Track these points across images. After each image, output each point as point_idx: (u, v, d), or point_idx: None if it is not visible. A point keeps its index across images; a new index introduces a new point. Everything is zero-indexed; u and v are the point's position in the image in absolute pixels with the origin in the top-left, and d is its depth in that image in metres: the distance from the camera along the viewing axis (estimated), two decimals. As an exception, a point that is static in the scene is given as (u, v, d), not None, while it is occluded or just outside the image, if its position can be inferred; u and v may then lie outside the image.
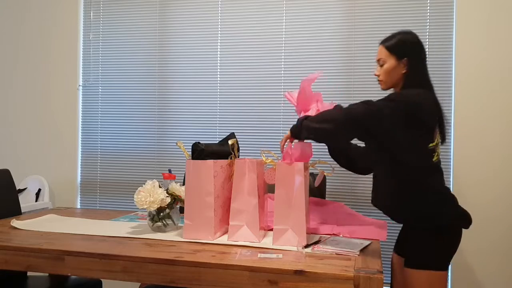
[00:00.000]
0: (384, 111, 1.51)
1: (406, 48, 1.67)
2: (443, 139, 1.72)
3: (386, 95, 1.79)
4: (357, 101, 1.58)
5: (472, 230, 2.43)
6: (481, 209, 2.43)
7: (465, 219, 1.65)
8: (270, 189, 1.85)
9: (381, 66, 1.71)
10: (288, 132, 1.70)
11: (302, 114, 1.71)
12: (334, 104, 1.73)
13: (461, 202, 2.41)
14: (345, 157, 1.95)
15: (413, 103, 1.53)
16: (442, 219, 1.60)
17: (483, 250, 2.42)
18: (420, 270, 1.57)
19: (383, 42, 1.72)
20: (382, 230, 1.79)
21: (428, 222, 1.60)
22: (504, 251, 2.40)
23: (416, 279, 1.57)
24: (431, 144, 1.61)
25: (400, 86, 1.70)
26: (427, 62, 1.72)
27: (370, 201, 1.83)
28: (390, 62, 1.68)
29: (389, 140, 1.59)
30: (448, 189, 1.70)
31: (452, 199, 1.68)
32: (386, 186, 1.70)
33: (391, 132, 1.55)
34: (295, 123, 1.68)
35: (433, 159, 1.63)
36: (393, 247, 1.89)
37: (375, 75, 1.74)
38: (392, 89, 1.75)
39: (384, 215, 1.77)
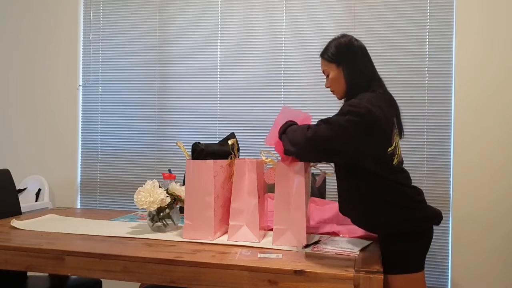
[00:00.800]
0: (343, 126, 1.47)
1: (341, 54, 1.64)
2: (401, 134, 1.67)
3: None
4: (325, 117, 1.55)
5: (473, 232, 2.43)
6: (481, 211, 2.42)
7: (434, 218, 1.61)
8: (270, 189, 1.85)
9: (327, 77, 1.68)
10: None
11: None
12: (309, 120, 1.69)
13: (461, 204, 2.44)
14: None
15: (366, 112, 1.47)
16: (411, 224, 1.58)
17: (483, 252, 2.42)
18: (398, 275, 1.55)
19: (321, 54, 1.69)
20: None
21: (397, 229, 1.58)
22: (505, 254, 2.40)
23: (396, 283, 1.55)
24: (389, 149, 1.56)
25: (346, 93, 1.66)
26: (371, 60, 1.67)
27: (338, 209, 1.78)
28: (333, 71, 1.65)
29: (349, 153, 1.53)
30: (414, 189, 1.64)
31: (419, 200, 1.62)
32: (349, 196, 1.65)
33: (351, 145, 1.50)
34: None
35: (393, 163, 1.58)
36: None
37: (326, 87, 1.71)
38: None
39: None
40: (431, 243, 1.64)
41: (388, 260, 1.55)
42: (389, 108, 1.58)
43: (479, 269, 2.42)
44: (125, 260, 1.44)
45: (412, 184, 1.66)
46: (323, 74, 1.73)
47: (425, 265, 1.62)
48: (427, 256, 1.64)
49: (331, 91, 1.70)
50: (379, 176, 1.56)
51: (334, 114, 1.55)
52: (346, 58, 1.63)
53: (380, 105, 1.52)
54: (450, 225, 2.46)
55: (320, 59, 1.70)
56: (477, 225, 2.43)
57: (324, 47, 1.69)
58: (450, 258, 2.47)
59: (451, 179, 2.47)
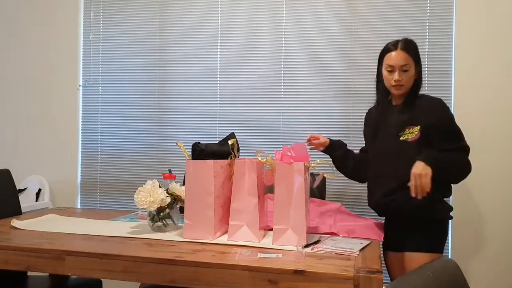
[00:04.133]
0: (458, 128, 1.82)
1: (418, 54, 1.82)
2: None
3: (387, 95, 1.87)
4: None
5: (472, 235, 2.43)
6: (481, 214, 2.42)
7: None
8: (270, 189, 1.85)
9: (404, 71, 1.78)
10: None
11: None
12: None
13: (461, 203, 2.44)
14: (352, 168, 2.02)
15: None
16: (448, 212, 1.83)
17: (483, 256, 2.42)
18: (427, 253, 1.74)
19: (405, 49, 1.78)
20: (381, 230, 1.79)
21: (439, 215, 1.80)
22: (504, 257, 2.40)
23: (425, 260, 1.66)
24: None
25: (410, 90, 1.83)
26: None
27: (368, 203, 1.92)
28: (412, 68, 1.79)
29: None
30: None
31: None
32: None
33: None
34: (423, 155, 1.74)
35: None
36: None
37: (396, 80, 1.78)
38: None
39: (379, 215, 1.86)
40: None
41: (423, 241, 1.76)
42: None
43: (478, 272, 2.42)
44: (125, 260, 1.44)
45: None
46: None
47: None
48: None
49: (399, 85, 1.80)
50: None
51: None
52: (419, 59, 1.83)
53: None
54: (450, 228, 2.45)
55: (402, 52, 1.79)
56: (476, 228, 2.42)
57: (404, 41, 1.81)
58: (450, 258, 2.46)
59: (451, 179, 2.47)
